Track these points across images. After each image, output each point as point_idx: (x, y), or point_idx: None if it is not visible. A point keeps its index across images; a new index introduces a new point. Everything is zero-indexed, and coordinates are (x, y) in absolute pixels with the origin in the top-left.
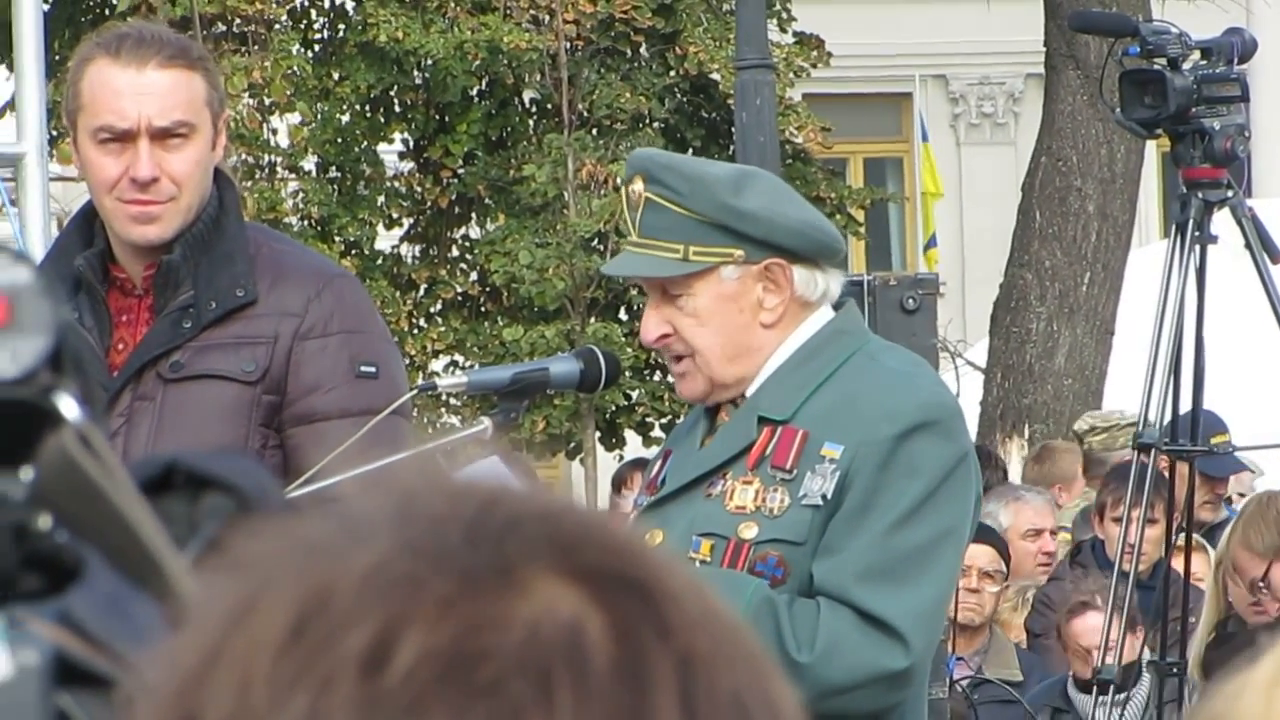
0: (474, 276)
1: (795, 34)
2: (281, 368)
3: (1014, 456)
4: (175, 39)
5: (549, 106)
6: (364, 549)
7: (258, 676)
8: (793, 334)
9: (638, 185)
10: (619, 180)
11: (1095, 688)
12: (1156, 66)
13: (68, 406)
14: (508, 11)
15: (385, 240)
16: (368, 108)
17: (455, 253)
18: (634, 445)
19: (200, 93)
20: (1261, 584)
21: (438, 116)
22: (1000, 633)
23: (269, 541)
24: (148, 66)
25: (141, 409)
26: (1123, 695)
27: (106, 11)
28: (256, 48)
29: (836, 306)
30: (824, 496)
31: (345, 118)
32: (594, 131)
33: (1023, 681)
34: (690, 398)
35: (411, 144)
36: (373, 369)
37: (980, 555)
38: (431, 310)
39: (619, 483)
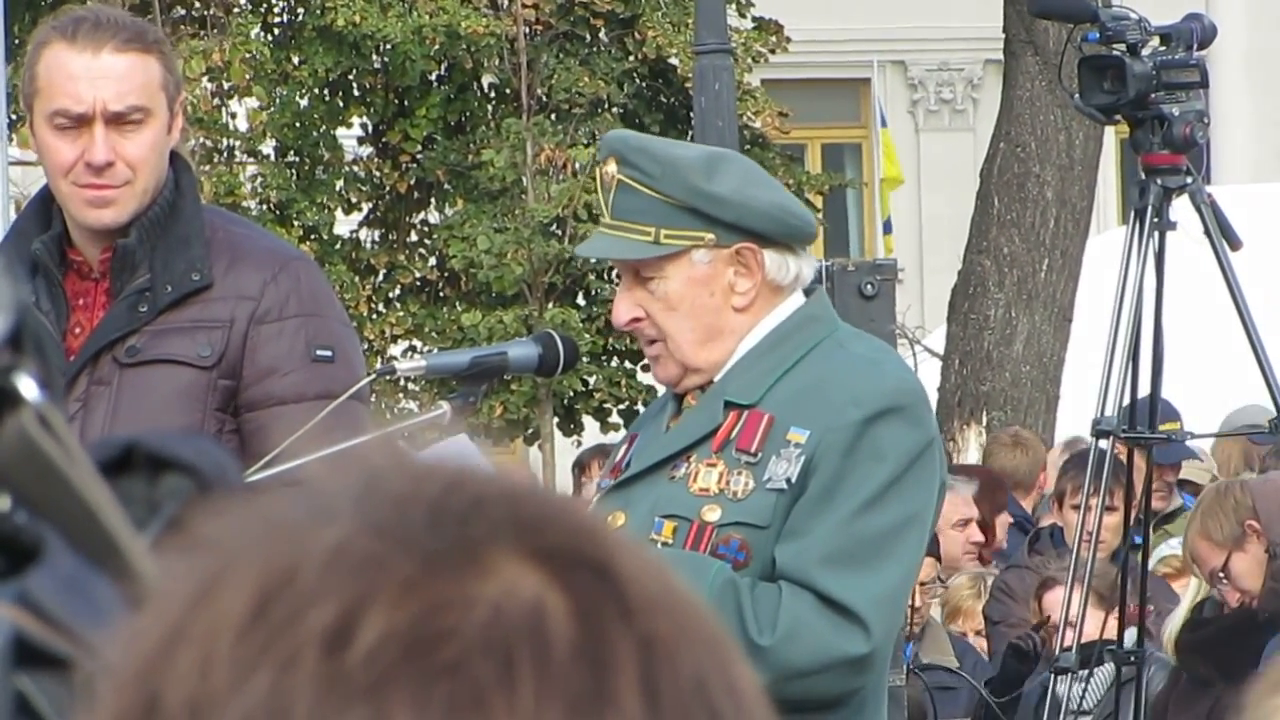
0: (433, 261)
1: (754, 19)
2: (237, 352)
3: (972, 443)
4: (132, 22)
5: (508, 91)
6: (327, 528)
7: (219, 656)
8: (764, 319)
9: (611, 167)
10: (577, 165)
11: (1053, 674)
12: (1116, 52)
13: (27, 387)
14: None
15: (344, 225)
16: (326, 92)
17: (414, 238)
18: (592, 431)
19: (156, 77)
20: (1221, 574)
21: (396, 101)
22: (934, 621)
23: (231, 520)
24: (103, 50)
25: (98, 393)
26: (1084, 673)
27: None
28: (215, 31)
29: (807, 292)
30: (788, 480)
31: (304, 102)
32: (553, 116)
33: (958, 668)
34: (664, 381)
35: (370, 128)
36: (329, 352)
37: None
38: (390, 295)
39: (581, 467)
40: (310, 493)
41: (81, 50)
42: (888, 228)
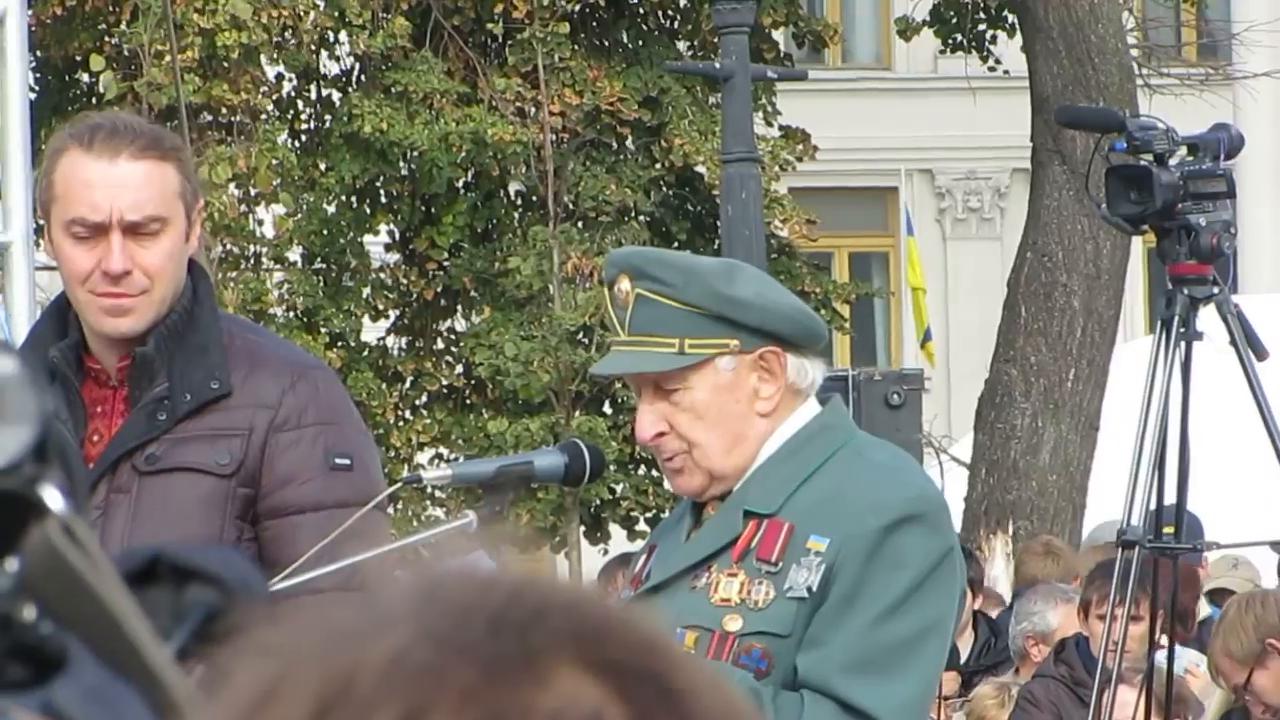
0: (459, 369)
1: (781, 127)
2: (256, 460)
3: (998, 553)
4: (149, 129)
5: (534, 198)
6: (387, 636)
7: None
8: (783, 424)
9: (624, 284)
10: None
11: None
12: (1143, 162)
13: (52, 497)
14: (493, 104)
15: (371, 332)
16: (354, 198)
17: (441, 345)
18: (618, 539)
19: (173, 184)
20: (1244, 689)
21: (423, 208)
22: None
23: (291, 626)
24: (120, 158)
25: (117, 501)
26: None
27: (94, 100)
28: (242, 137)
29: (822, 400)
30: (809, 589)
31: (331, 208)
32: (579, 224)
33: None
34: (688, 493)
35: (397, 235)
36: (347, 460)
37: (944, 681)
38: (417, 402)
39: (607, 576)
40: (371, 600)
41: (98, 157)
42: (928, 335)
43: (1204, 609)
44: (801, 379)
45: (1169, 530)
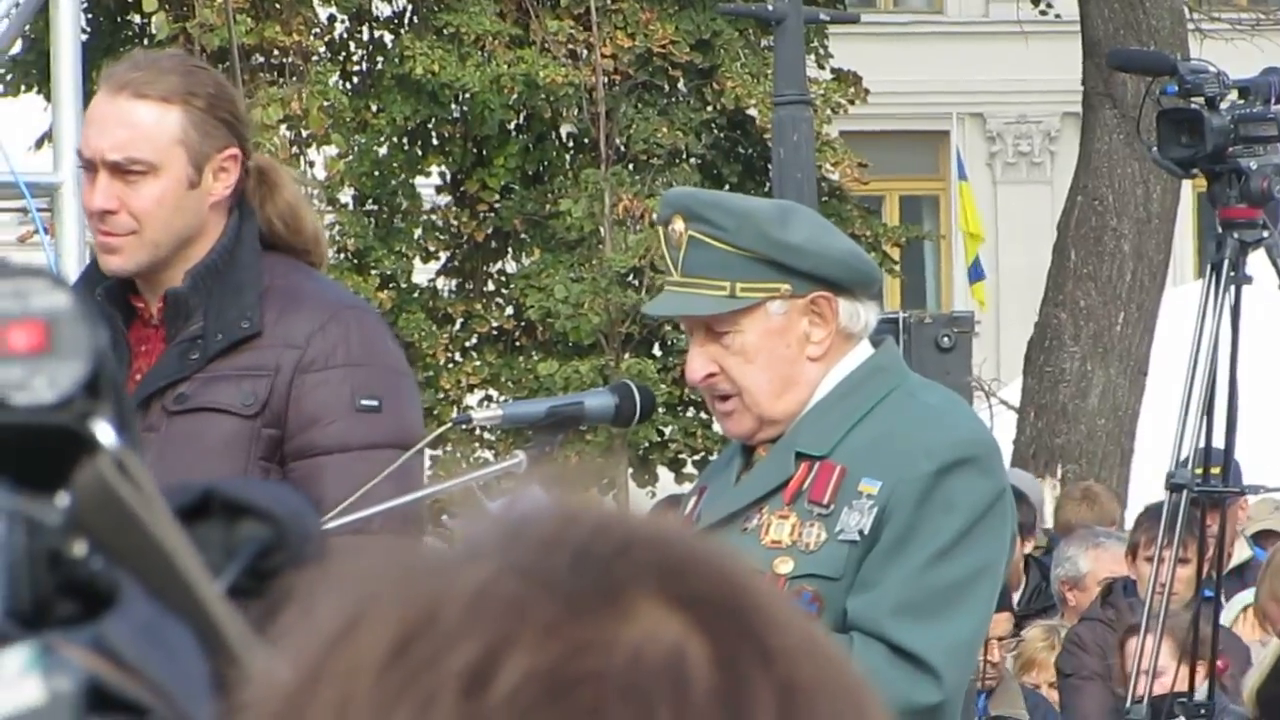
0: (509, 311)
1: (833, 70)
2: (282, 401)
3: (1046, 496)
4: (170, 69)
5: (586, 141)
6: (470, 570)
7: (359, 695)
8: (835, 368)
9: (678, 224)
10: (655, 215)
11: None
12: (1194, 105)
13: (104, 432)
14: (545, 46)
15: (422, 274)
16: (405, 140)
17: (491, 287)
18: (666, 481)
19: (170, 130)
20: None
21: (475, 150)
22: (1007, 673)
23: (373, 560)
24: (120, 96)
25: (147, 440)
26: None
27: (145, 41)
28: (294, 79)
29: (875, 343)
30: (861, 532)
31: (382, 150)
32: (630, 166)
33: None
34: (738, 436)
35: (448, 177)
36: (375, 402)
37: (996, 623)
38: (467, 344)
39: None
40: (455, 535)
41: (105, 94)
42: (977, 273)
43: (1245, 550)
44: (854, 323)
45: (1216, 472)
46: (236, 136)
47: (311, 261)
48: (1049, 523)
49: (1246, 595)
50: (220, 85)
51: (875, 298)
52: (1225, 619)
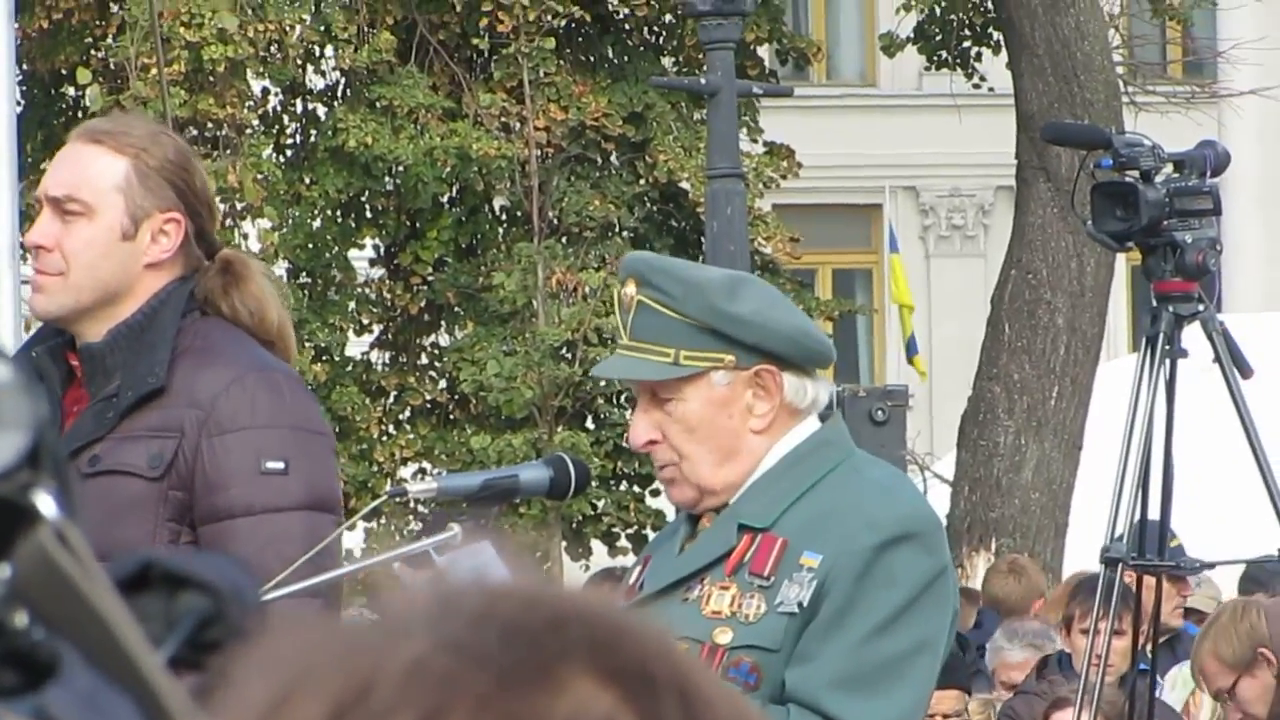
0: (443, 384)
1: (765, 144)
2: (188, 463)
3: (979, 570)
4: (136, 127)
5: (519, 214)
6: (403, 644)
7: None
8: (780, 441)
9: (630, 288)
10: (588, 288)
11: None
12: (1129, 179)
13: (45, 504)
14: (478, 119)
15: (355, 346)
16: (338, 213)
17: (424, 360)
18: (600, 554)
19: (113, 176)
20: (1227, 695)
21: (408, 223)
22: None
23: (306, 634)
24: (79, 141)
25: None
26: None
27: (79, 114)
28: (228, 151)
29: (823, 417)
30: (800, 604)
31: (316, 223)
32: (564, 239)
33: None
34: (680, 504)
35: (382, 250)
36: (280, 465)
37: (943, 700)
38: (401, 417)
39: None
40: (386, 610)
41: (71, 139)
42: (913, 348)
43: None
44: (800, 399)
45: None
46: (185, 204)
47: (276, 353)
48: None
49: (1183, 668)
50: (181, 154)
51: (825, 375)
52: (1161, 691)
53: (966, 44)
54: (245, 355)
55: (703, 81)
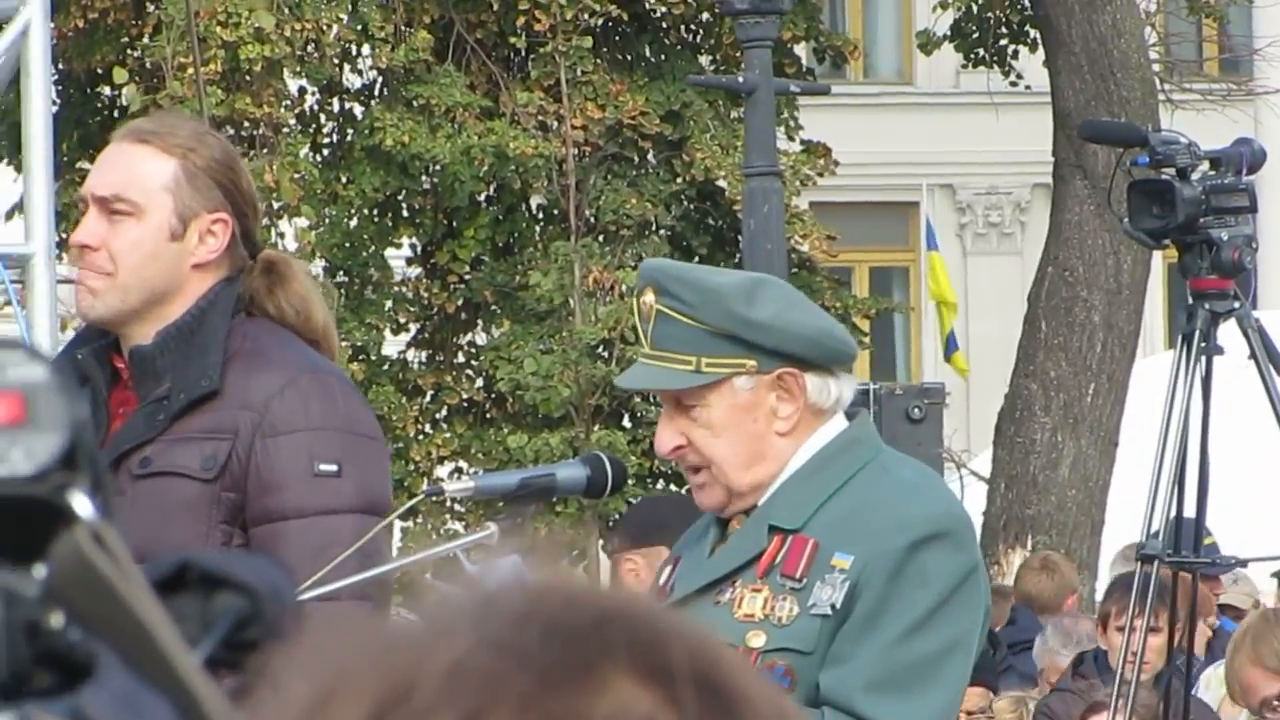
0: (480, 383)
1: (802, 142)
2: (242, 465)
3: (1016, 567)
4: (181, 126)
5: (556, 212)
6: (445, 644)
7: None
8: (806, 442)
9: (649, 297)
10: (625, 287)
11: None
12: (1165, 176)
13: (81, 504)
14: (515, 118)
15: (392, 345)
16: (375, 212)
17: (461, 359)
18: None
19: (161, 176)
20: (1276, 702)
21: (445, 221)
22: None
23: (347, 634)
24: (125, 141)
25: (115, 505)
26: None
27: (115, 113)
28: (265, 151)
29: (850, 415)
30: (833, 606)
31: (353, 222)
32: (600, 238)
33: None
34: (709, 508)
35: (419, 249)
36: (334, 467)
37: (968, 697)
38: (437, 416)
39: None
40: (429, 609)
41: (115, 140)
42: (952, 345)
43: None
44: (824, 399)
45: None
46: (232, 206)
47: (321, 352)
48: None
49: (1218, 667)
50: (227, 154)
51: (850, 372)
52: (1197, 689)
53: (1003, 42)
54: (297, 358)
55: (740, 80)
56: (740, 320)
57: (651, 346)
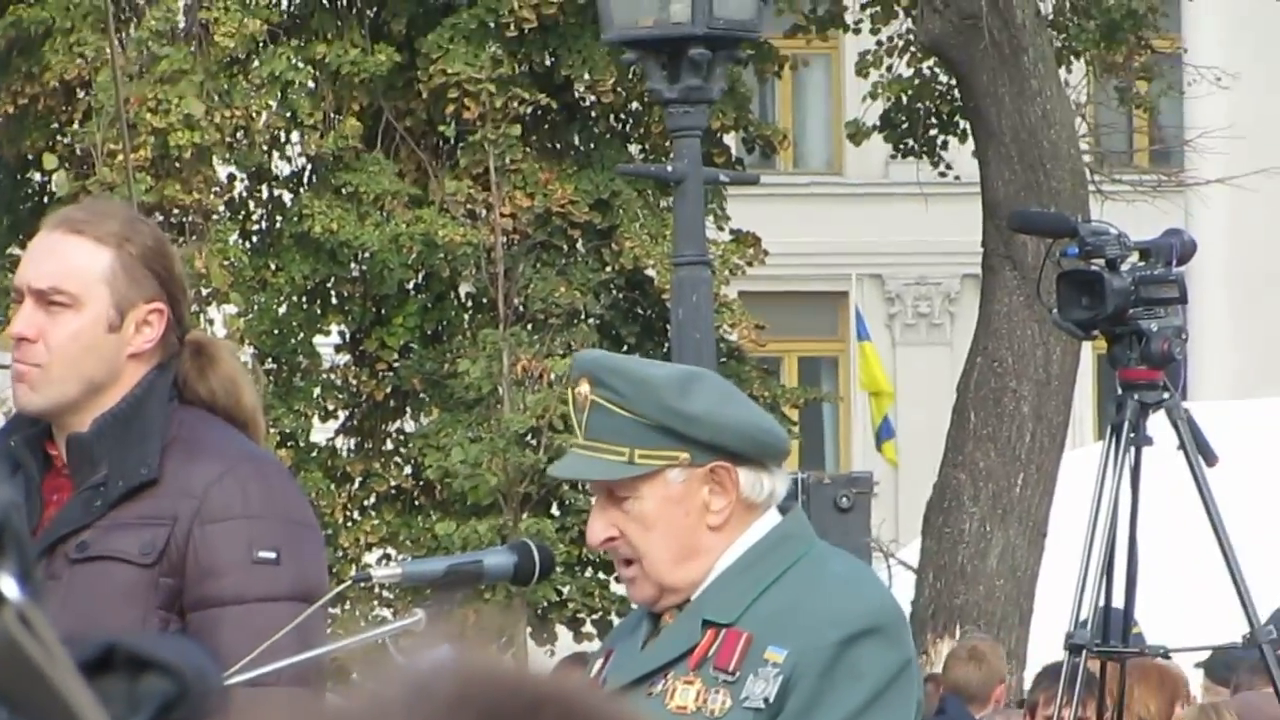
0: (408, 470)
1: (731, 231)
2: (180, 551)
3: (944, 657)
4: (113, 214)
5: (484, 300)
6: None
7: None
8: (740, 538)
9: (584, 388)
10: (554, 375)
11: None
12: (1095, 267)
13: (8, 586)
14: (444, 206)
15: (321, 432)
16: (304, 299)
17: (390, 446)
18: (565, 640)
19: (98, 268)
20: None
21: (374, 309)
22: None
23: (278, 715)
24: (57, 231)
25: (50, 589)
26: None
27: (45, 199)
28: (194, 237)
29: (783, 509)
30: (766, 700)
31: (282, 309)
32: (529, 326)
33: None
34: (640, 602)
35: (348, 336)
36: (272, 554)
37: None
38: (366, 503)
39: None
40: (362, 696)
41: (46, 229)
42: (887, 431)
43: None
44: (756, 493)
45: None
46: (166, 293)
47: (249, 434)
48: None
49: None
50: (159, 241)
51: (782, 467)
52: None
53: (933, 132)
54: (234, 446)
55: (669, 169)
56: (674, 413)
57: (585, 436)
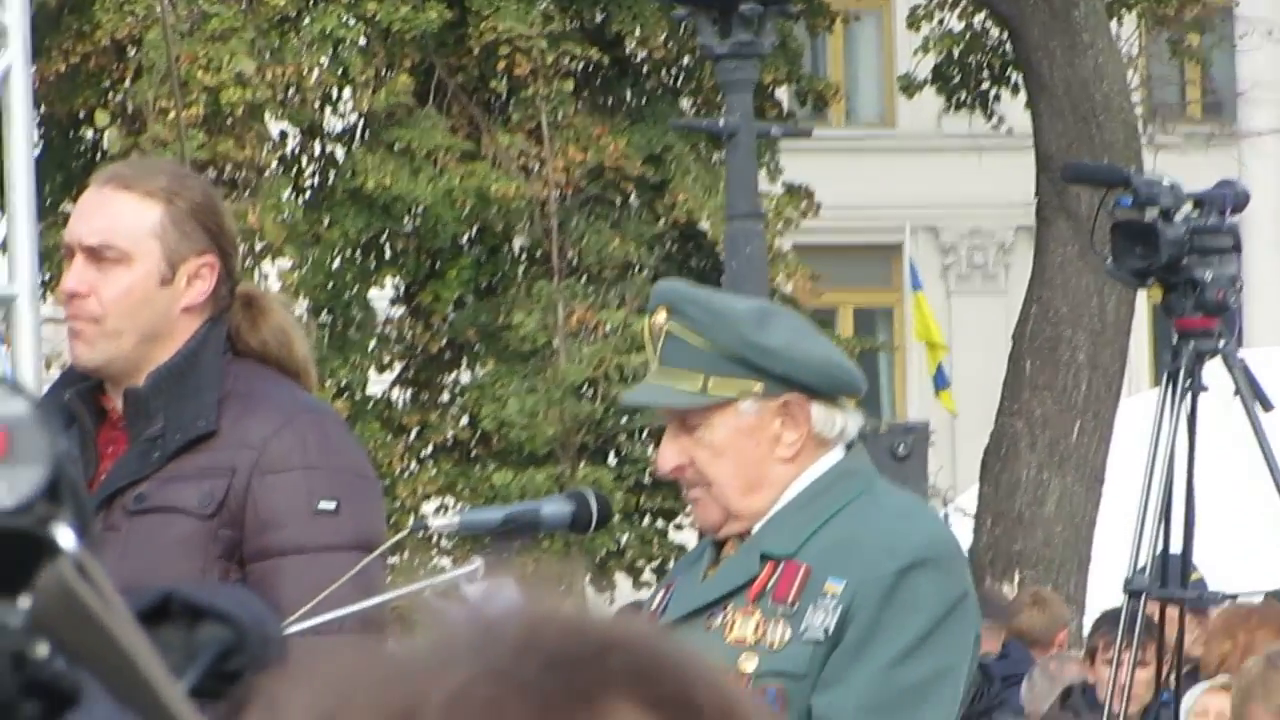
0: (464, 421)
1: (785, 184)
2: (239, 502)
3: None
4: (161, 169)
5: (538, 254)
6: (446, 673)
7: None
8: (806, 471)
9: (660, 316)
10: (608, 327)
11: None
12: (1148, 217)
13: (65, 536)
14: (497, 160)
15: (377, 384)
16: (358, 253)
17: (446, 397)
18: (624, 588)
19: (147, 222)
20: None
21: (428, 262)
22: None
23: (348, 663)
24: (104, 188)
25: (108, 540)
26: None
27: (98, 156)
28: (247, 193)
29: (848, 447)
30: (825, 631)
31: (335, 263)
32: (583, 279)
33: None
34: (705, 527)
35: (402, 289)
36: (332, 505)
37: None
38: (422, 454)
39: None
40: (430, 638)
41: (94, 186)
42: (942, 381)
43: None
44: (828, 429)
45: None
46: (217, 247)
47: (302, 384)
48: None
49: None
50: (208, 195)
51: (857, 405)
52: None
53: (985, 85)
54: (291, 398)
55: (721, 123)
56: (750, 344)
57: (660, 365)
